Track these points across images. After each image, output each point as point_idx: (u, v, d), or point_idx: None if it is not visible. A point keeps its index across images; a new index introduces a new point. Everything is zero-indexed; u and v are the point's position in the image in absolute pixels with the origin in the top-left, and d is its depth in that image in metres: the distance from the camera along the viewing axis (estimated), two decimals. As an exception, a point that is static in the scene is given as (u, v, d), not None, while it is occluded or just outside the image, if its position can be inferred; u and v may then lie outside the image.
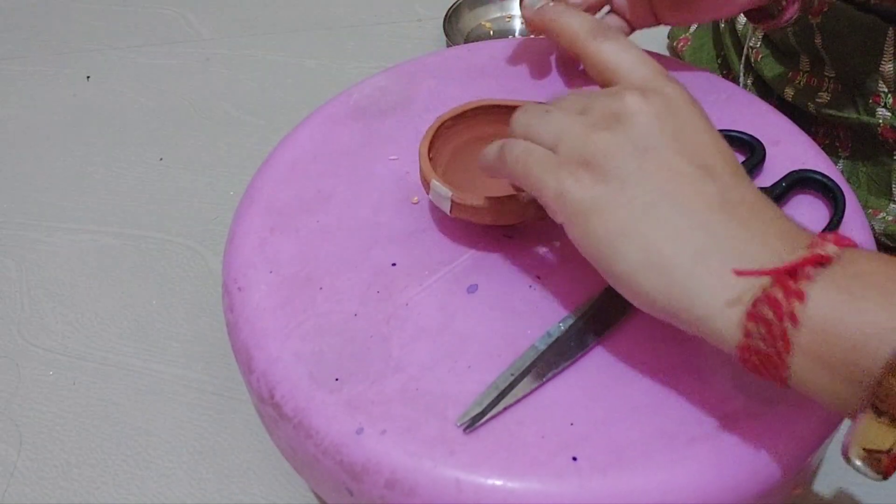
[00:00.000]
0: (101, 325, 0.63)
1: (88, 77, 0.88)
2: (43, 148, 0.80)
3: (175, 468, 0.54)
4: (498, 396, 0.36)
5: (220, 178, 0.75)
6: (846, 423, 0.30)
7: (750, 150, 0.47)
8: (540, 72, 0.54)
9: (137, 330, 0.63)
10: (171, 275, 0.66)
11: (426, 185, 0.43)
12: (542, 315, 0.40)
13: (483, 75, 0.54)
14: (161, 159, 0.77)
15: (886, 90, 0.53)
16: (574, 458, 0.34)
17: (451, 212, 0.42)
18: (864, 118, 0.54)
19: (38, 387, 0.59)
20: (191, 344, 0.61)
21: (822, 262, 0.29)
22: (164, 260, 0.68)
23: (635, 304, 0.34)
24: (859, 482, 0.50)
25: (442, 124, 0.45)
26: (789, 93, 0.57)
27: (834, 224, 0.43)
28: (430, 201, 0.46)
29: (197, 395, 0.58)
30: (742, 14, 0.50)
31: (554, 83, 0.53)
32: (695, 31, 0.75)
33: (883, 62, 0.52)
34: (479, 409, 0.36)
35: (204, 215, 0.71)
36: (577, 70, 0.54)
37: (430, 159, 0.44)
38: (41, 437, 0.56)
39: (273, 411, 0.38)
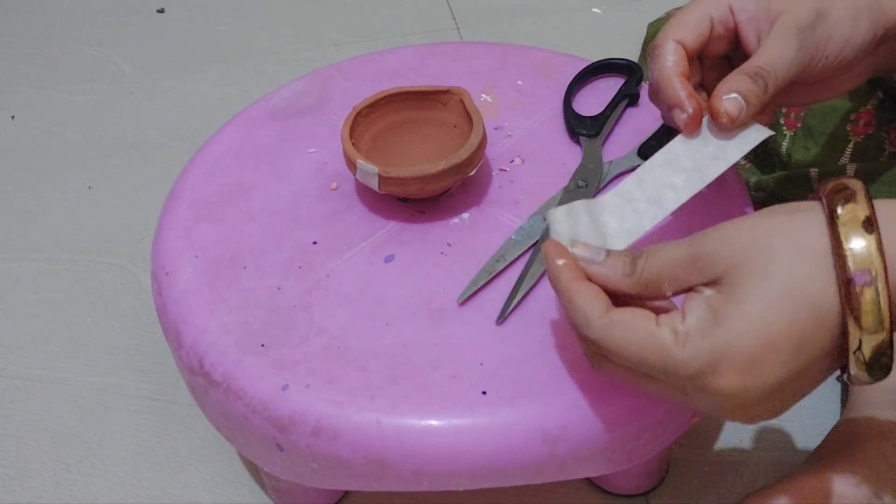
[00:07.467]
0: (35, 344, 0.64)
1: (13, 116, 0.89)
2: (-30, 184, 0.80)
3: (118, 470, 0.55)
4: (491, 279, 0.43)
5: (147, 200, 0.76)
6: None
7: (628, 73, 0.54)
8: (445, 72, 0.57)
9: (73, 346, 0.64)
10: (104, 293, 0.68)
11: (352, 166, 0.45)
12: (453, 276, 0.43)
13: (394, 76, 0.57)
14: (90, 187, 0.79)
15: None
16: (483, 392, 0.37)
17: (379, 187, 0.44)
18: None
19: (-27, 407, 0.60)
20: (127, 355, 0.63)
21: None
22: (97, 280, 0.69)
23: None
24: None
25: (359, 112, 0.48)
26: None
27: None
28: (354, 183, 0.48)
29: (135, 401, 0.59)
30: None
31: (458, 82, 0.56)
32: None
33: None
34: (474, 288, 0.42)
35: (133, 236, 0.73)
36: (480, 70, 0.57)
37: (353, 145, 0.46)
38: (-21, 454, 0.57)
39: (203, 380, 0.40)
